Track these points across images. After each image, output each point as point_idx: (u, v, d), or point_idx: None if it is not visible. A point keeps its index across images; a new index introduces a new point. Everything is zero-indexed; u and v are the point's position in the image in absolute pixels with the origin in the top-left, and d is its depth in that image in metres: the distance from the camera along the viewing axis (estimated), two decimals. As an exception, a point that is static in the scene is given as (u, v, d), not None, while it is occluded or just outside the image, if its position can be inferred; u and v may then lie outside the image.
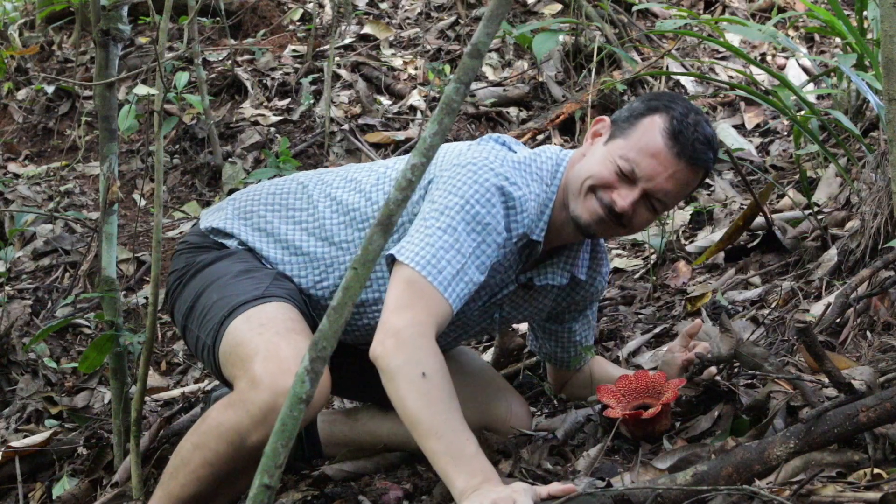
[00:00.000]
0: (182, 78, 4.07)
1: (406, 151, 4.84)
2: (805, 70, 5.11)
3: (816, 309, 2.68)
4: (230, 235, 2.51)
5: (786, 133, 4.67)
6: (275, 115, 5.28)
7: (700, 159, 2.28)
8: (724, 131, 4.70)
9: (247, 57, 5.72)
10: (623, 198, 2.28)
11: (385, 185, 2.44)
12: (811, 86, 4.43)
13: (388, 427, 2.64)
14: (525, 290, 2.50)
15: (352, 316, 2.28)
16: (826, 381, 1.99)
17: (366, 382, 2.43)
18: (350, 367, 2.48)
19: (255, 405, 2.10)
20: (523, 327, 3.31)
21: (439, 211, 2.23)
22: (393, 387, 2.06)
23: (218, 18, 5.71)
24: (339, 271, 2.42)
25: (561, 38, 5.08)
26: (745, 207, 3.59)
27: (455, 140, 4.26)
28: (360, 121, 5.13)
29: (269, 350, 2.15)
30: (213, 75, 5.51)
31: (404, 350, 2.06)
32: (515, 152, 2.40)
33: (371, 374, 2.16)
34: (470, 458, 1.97)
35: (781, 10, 5.42)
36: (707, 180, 4.40)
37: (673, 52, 5.13)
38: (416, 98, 5.28)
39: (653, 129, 2.28)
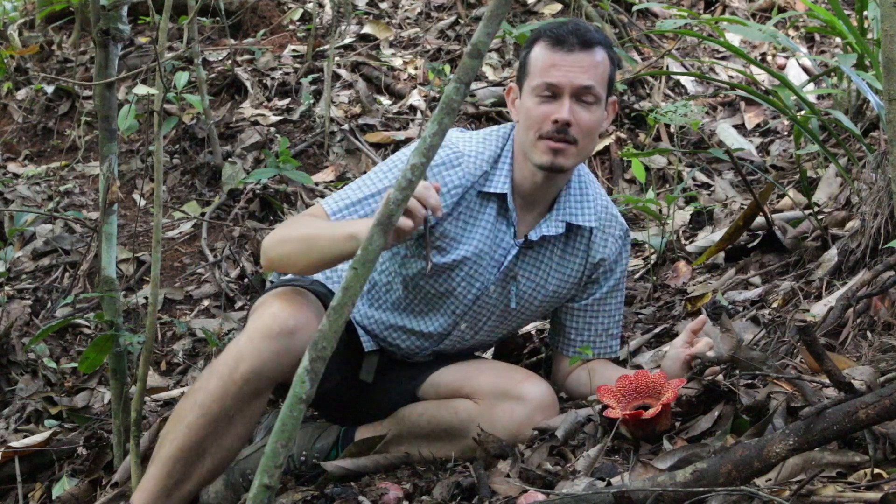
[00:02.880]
0: (182, 78, 4.07)
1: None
2: (805, 70, 5.11)
3: (816, 309, 2.67)
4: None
5: (786, 133, 4.67)
6: (275, 114, 5.27)
7: (588, 39, 2.51)
8: (725, 131, 4.70)
9: (247, 57, 5.71)
10: (558, 111, 2.48)
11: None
12: (811, 86, 4.43)
13: (429, 413, 2.65)
14: (528, 250, 2.63)
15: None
16: (826, 381, 1.99)
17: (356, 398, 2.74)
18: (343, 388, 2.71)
19: (245, 336, 2.40)
20: (524, 328, 3.30)
21: None
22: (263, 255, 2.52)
23: (218, 18, 5.70)
24: None
25: (561, 38, 5.07)
26: (745, 207, 3.59)
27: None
28: (360, 121, 5.12)
29: (264, 308, 2.46)
30: (212, 75, 5.50)
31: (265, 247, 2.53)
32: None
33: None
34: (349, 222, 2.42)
35: (781, 10, 5.41)
36: (710, 180, 4.41)
37: (673, 52, 5.13)
38: (416, 98, 5.27)
39: (539, 53, 2.53)
